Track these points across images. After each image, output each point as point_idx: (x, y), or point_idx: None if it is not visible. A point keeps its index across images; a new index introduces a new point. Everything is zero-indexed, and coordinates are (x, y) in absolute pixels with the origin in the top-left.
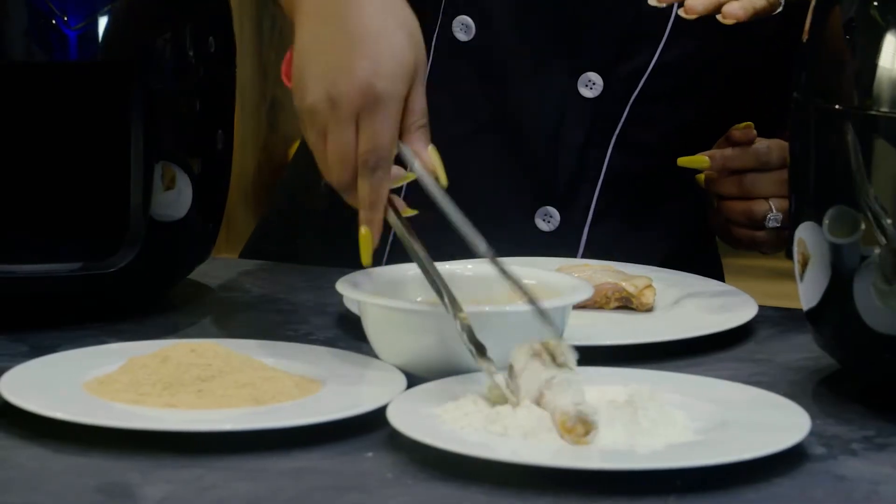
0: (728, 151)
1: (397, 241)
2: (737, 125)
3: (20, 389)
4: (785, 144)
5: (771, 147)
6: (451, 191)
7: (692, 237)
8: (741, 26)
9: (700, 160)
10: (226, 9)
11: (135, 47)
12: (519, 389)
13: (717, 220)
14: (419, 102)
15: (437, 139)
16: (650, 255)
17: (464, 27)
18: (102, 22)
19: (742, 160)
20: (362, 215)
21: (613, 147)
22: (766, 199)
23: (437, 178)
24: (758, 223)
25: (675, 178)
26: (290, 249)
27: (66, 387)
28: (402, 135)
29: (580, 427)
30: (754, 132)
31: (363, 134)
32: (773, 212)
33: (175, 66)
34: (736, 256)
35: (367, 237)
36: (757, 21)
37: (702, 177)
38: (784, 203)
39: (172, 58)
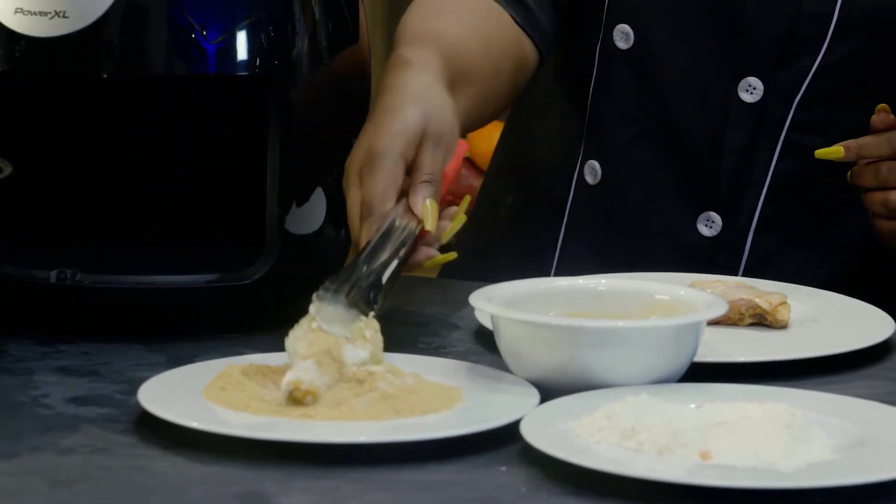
0: (864, 140)
1: (565, 252)
2: (877, 107)
3: (159, 399)
4: None
5: None
6: (614, 197)
7: (876, 254)
8: None
9: (835, 150)
10: (359, 20)
11: (272, 60)
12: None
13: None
14: (428, 162)
15: (600, 147)
16: (823, 268)
17: (624, 35)
18: (241, 36)
19: (876, 148)
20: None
21: (780, 151)
22: None
23: (421, 223)
24: (895, 212)
25: (851, 186)
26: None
27: (204, 397)
28: (409, 190)
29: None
30: (892, 116)
31: (361, 188)
32: None
33: (311, 78)
34: None
35: None
36: None
37: (849, 173)
38: None
39: (309, 70)
